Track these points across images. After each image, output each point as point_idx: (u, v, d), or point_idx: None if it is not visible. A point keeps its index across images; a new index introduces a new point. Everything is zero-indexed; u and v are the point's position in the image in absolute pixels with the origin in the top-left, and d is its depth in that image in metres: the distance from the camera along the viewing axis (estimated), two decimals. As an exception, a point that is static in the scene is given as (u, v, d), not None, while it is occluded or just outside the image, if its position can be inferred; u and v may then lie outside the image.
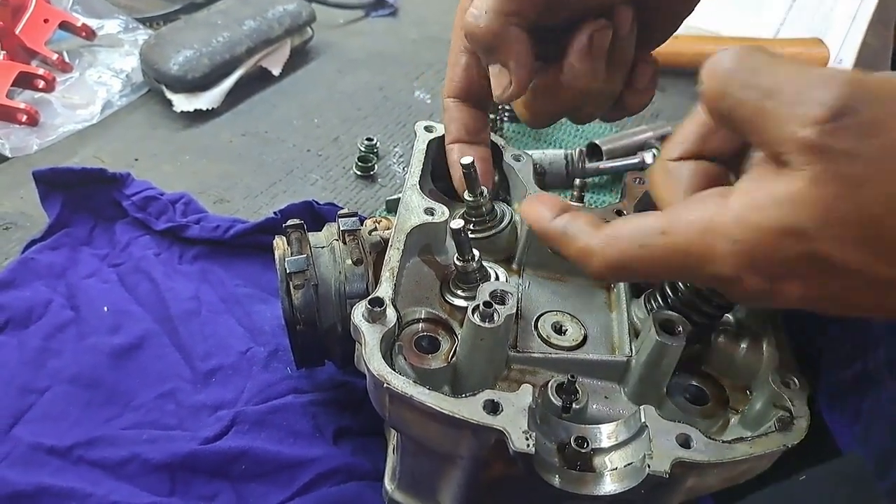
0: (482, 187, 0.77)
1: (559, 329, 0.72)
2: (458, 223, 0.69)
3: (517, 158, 0.86)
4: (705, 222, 0.51)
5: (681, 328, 0.63)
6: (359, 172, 1.30)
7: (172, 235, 1.09)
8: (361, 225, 0.83)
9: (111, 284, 1.02)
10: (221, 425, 0.86)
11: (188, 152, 1.32)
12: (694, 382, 0.70)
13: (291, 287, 0.77)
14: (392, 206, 1.19)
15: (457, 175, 0.78)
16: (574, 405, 0.65)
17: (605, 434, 0.63)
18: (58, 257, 1.04)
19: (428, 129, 0.86)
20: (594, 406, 0.68)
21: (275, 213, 1.07)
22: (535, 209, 0.65)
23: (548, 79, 0.73)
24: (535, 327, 0.73)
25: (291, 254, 0.79)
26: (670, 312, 0.65)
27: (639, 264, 0.55)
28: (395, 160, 1.35)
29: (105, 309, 0.98)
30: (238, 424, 0.86)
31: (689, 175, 0.61)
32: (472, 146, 0.79)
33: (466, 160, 0.74)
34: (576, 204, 0.83)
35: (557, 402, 0.65)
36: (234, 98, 1.44)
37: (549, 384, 0.66)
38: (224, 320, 0.98)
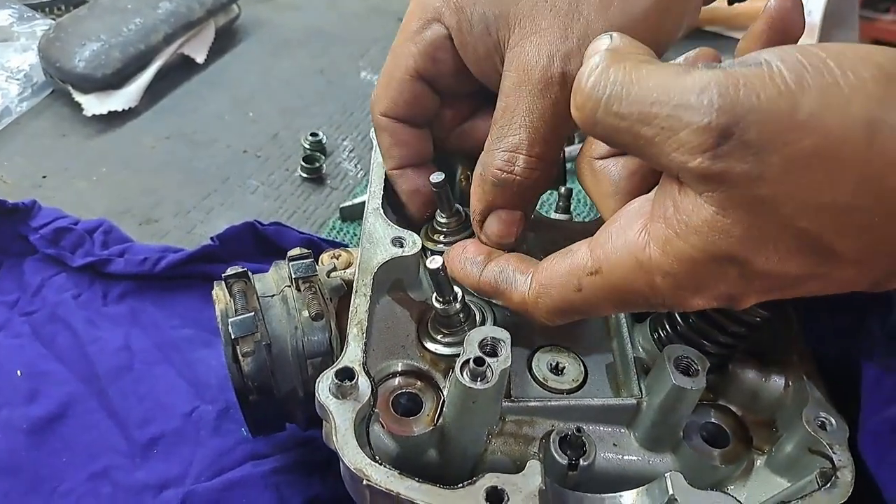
0: (457, 205, 0.72)
1: (556, 368, 0.66)
2: (436, 262, 0.61)
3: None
4: (634, 258, 0.50)
5: (699, 367, 0.58)
6: (305, 175, 1.20)
7: (93, 272, 0.98)
8: (317, 264, 0.72)
9: (23, 339, 0.90)
10: (168, 511, 0.75)
11: (105, 163, 1.20)
12: (711, 419, 0.64)
13: (239, 354, 0.65)
14: (347, 215, 1.10)
15: (416, 203, 0.74)
16: (581, 461, 0.59)
17: (628, 507, 0.57)
18: (-45, 310, 0.91)
19: (386, 136, 0.77)
20: (602, 455, 0.62)
21: (212, 238, 0.96)
22: (459, 266, 0.64)
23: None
24: (530, 368, 0.66)
25: (236, 311, 0.67)
26: (684, 347, 0.60)
27: (582, 306, 0.55)
28: (344, 156, 1.24)
29: (18, 373, 0.87)
30: (189, 508, 0.76)
31: (618, 174, 0.60)
32: (420, 170, 0.74)
33: (437, 177, 0.68)
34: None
35: (563, 459, 0.59)
36: (153, 94, 1.32)
37: (552, 438, 0.60)
38: (162, 374, 0.87)
